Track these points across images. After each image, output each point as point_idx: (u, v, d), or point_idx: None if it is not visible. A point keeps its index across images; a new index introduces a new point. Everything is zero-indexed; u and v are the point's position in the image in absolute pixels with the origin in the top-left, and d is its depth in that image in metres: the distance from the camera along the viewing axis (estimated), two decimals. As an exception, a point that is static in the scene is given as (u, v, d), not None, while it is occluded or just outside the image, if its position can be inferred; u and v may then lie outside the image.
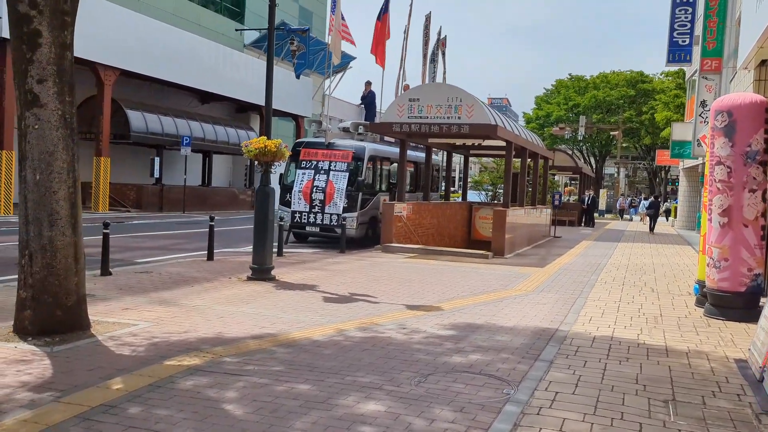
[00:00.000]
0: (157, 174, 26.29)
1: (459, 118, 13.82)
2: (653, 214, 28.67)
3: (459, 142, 19.08)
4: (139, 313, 7.10)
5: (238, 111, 35.91)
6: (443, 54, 22.41)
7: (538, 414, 4.28)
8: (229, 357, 5.40)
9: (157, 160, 26.23)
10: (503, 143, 15.93)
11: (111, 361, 5.21)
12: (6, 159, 20.47)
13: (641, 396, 4.76)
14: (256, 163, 9.79)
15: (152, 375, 4.83)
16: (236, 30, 20.62)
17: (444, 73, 22.77)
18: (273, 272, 10.20)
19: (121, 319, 6.73)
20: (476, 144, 19.43)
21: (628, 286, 10.48)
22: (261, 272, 9.85)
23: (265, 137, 9.72)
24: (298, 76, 11.70)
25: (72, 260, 5.97)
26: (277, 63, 38.28)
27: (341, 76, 43.47)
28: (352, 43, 15.67)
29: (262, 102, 34.59)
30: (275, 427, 3.91)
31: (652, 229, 28.05)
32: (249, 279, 9.79)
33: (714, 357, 6.06)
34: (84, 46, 22.56)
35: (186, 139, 25.75)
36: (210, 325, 6.63)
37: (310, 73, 39.92)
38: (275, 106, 34.14)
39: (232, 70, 30.93)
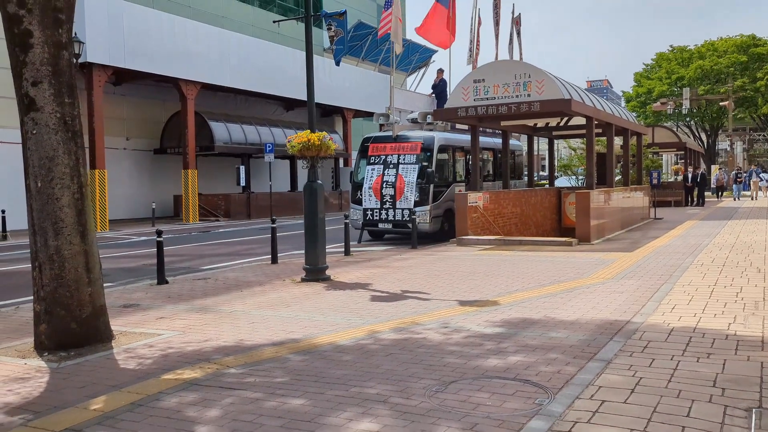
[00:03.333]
0: (243, 182, 26.69)
1: (528, 95, 12.75)
2: None
3: (539, 123, 17.86)
4: (171, 321, 6.76)
5: (324, 115, 36.05)
6: (518, 33, 21.17)
7: (569, 431, 3.40)
8: (236, 368, 4.87)
9: (242, 168, 26.64)
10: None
11: (109, 376, 4.82)
12: (99, 177, 21.41)
13: (716, 403, 3.75)
14: (302, 160, 9.29)
15: (140, 392, 4.38)
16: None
17: (520, 54, 21.47)
18: (329, 272, 9.70)
19: (149, 330, 6.41)
20: (559, 124, 18.10)
21: (729, 268, 9.08)
22: (314, 272, 9.37)
23: (309, 131, 9.21)
24: (337, 63, 11.15)
25: (83, 270, 5.68)
26: (358, 63, 38.20)
27: (424, 72, 42.81)
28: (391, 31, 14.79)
29: (345, 105, 34.58)
30: (241, 453, 3.30)
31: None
32: (303, 280, 9.33)
33: (826, 349, 4.85)
34: (166, 63, 23.36)
35: (269, 146, 25.92)
36: (236, 331, 6.16)
37: (391, 71, 39.52)
38: (358, 106, 34.31)
39: (315, 75, 30.91)
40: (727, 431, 3.34)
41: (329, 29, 10.49)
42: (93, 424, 3.80)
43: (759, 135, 62.44)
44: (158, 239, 9.68)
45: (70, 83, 5.69)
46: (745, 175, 34.55)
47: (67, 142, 5.60)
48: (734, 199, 31.71)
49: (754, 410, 3.62)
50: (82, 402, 4.22)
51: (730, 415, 3.55)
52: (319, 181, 9.50)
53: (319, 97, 30.93)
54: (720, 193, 35.04)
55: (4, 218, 18.43)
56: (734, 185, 33.08)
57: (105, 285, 9.07)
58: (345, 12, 10.57)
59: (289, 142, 9.17)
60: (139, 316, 7.15)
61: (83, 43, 19.62)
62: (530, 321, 6.13)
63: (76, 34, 18.98)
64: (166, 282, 9.52)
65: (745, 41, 50.55)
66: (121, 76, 24.20)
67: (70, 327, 5.63)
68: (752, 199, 31.39)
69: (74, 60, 5.96)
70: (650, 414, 3.60)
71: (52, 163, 5.53)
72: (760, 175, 33.79)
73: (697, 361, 4.61)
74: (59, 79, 5.59)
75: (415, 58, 40.74)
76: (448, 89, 18.12)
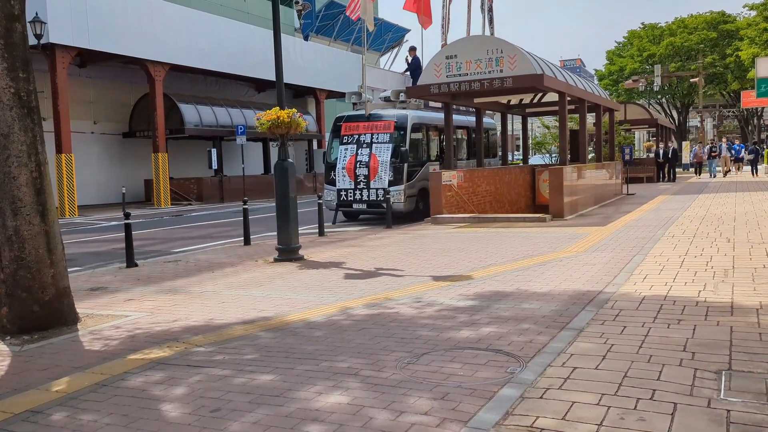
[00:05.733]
0: (215, 165, 26.34)
1: (501, 71, 12.67)
2: (754, 159, 28.85)
3: (513, 99, 17.82)
4: (140, 303, 6.62)
5: (296, 96, 35.64)
6: (490, 10, 21.04)
7: (541, 398, 3.37)
8: (205, 346, 4.77)
9: (213, 151, 26.28)
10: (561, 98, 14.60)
11: (73, 358, 4.69)
12: (66, 162, 20.93)
13: (686, 367, 3.75)
14: (272, 139, 9.13)
15: (105, 372, 4.26)
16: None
17: (492, 31, 21.36)
18: (303, 252, 9.60)
19: (116, 312, 6.26)
20: (532, 101, 18.09)
21: (699, 238, 9.17)
22: (287, 252, 9.25)
23: (278, 108, 9.04)
24: (306, 38, 10.87)
25: (44, 251, 5.50)
26: (330, 43, 37.79)
27: (397, 51, 42.53)
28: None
29: (317, 85, 34.12)
30: (207, 430, 3.22)
31: (755, 173, 28.28)
32: (276, 261, 9.21)
33: (793, 313, 4.90)
34: (132, 44, 22.82)
35: (240, 128, 25.59)
36: (206, 311, 6.04)
37: (363, 49, 39.15)
38: (331, 87, 33.92)
39: (285, 55, 30.44)
40: (698, 393, 3.34)
41: (297, 3, 10.26)
42: (54, 406, 3.68)
43: (729, 111, 63.31)
44: (126, 221, 9.46)
45: (25, 57, 5.47)
46: (717, 147, 31.00)
47: (23, 119, 5.40)
48: (711, 176, 29.51)
49: (723, 372, 3.63)
50: (44, 384, 4.10)
51: (700, 378, 3.55)
52: (290, 160, 9.36)
53: (291, 78, 30.63)
54: (699, 170, 32.18)
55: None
56: (709, 161, 30.51)
57: (73, 269, 8.90)
58: (312, -15, 10.33)
59: (258, 119, 9.01)
60: (106, 298, 6.99)
61: (45, 23, 19.08)
62: (503, 293, 6.10)
63: (37, 13, 18.45)
64: (136, 265, 9.33)
65: (714, 18, 51.05)
66: (86, 58, 23.62)
67: (33, 309, 5.47)
68: (723, 175, 29.84)
69: (27, 33, 5.72)
70: (621, 378, 3.59)
71: (8, 140, 5.33)
72: (734, 148, 32.03)
73: (668, 328, 4.62)
74: (12, 53, 5.37)
75: (388, 37, 40.45)
76: (421, 66, 17.97)
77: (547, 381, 3.61)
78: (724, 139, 31.75)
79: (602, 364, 3.87)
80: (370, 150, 14.87)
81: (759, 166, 29.92)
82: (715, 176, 29.28)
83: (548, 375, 3.72)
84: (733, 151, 32.41)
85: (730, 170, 30.27)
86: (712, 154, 30.61)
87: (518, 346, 4.34)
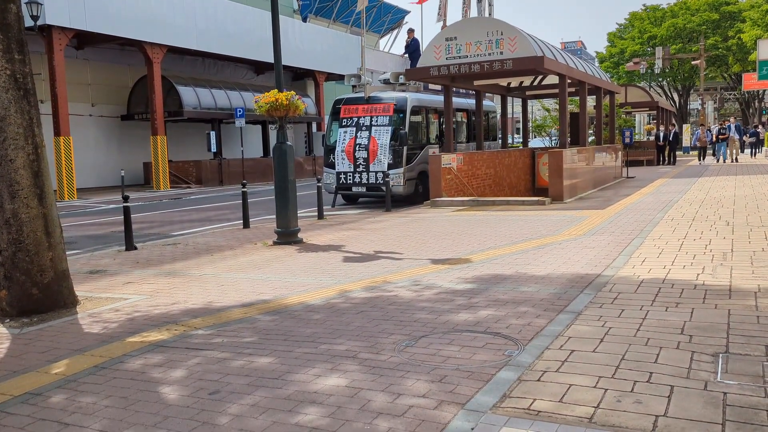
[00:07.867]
0: (214, 148, 26.25)
1: (501, 53, 12.58)
2: (755, 142, 29.50)
3: (513, 82, 17.72)
4: (139, 286, 6.62)
5: (295, 79, 35.45)
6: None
7: (538, 380, 3.38)
8: (203, 329, 4.78)
9: (212, 134, 26.17)
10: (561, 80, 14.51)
11: (72, 340, 4.70)
12: (64, 144, 20.85)
13: (683, 350, 3.76)
14: (271, 122, 9.09)
15: (104, 355, 4.27)
16: None
17: (490, 13, 21.19)
18: (302, 235, 9.61)
19: (115, 294, 6.26)
20: (532, 84, 17.99)
21: (699, 222, 9.16)
22: (286, 236, 9.25)
23: (276, 90, 8.99)
24: (304, 19, 10.71)
25: (42, 234, 5.50)
26: (329, 25, 37.51)
27: (397, 33, 42.24)
28: None
29: (316, 68, 33.93)
30: (205, 412, 3.23)
31: (753, 155, 29.18)
32: (274, 244, 9.21)
33: (791, 296, 4.90)
34: (129, 26, 22.66)
35: (239, 111, 25.47)
36: (205, 294, 6.05)
37: (362, 31, 38.84)
38: (330, 69, 33.72)
39: (284, 37, 30.28)
40: (694, 375, 3.35)
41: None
42: (54, 388, 3.69)
43: (729, 94, 63.02)
44: (125, 204, 9.44)
45: (20, 39, 5.42)
46: (726, 128, 26.74)
47: (19, 101, 5.36)
48: (717, 161, 26.58)
49: (720, 355, 3.64)
50: (43, 366, 4.11)
51: (697, 361, 3.56)
52: (289, 143, 9.32)
53: (290, 61, 30.46)
54: (703, 155, 28.65)
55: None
56: (717, 144, 27.11)
57: (72, 252, 8.91)
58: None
59: (256, 102, 8.96)
60: (105, 281, 6.99)
61: (41, 4, 18.92)
62: (502, 277, 6.11)
63: (33, -6, 18.30)
64: (135, 248, 9.33)
65: (717, -1, 50.59)
66: (84, 40, 23.45)
67: (31, 292, 5.47)
68: (733, 160, 26.29)
69: (23, 14, 5.67)
70: (619, 361, 3.60)
71: (4, 122, 5.29)
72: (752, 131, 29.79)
73: (666, 311, 4.63)
74: (7, 34, 5.31)
75: (387, 19, 40.16)
76: (420, 48, 17.86)
77: (545, 364, 3.62)
78: (732, 119, 29.56)
79: (600, 347, 3.88)
80: (370, 133, 14.81)
81: (758, 149, 29.84)
82: (725, 161, 26.20)
83: (546, 358, 3.72)
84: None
85: (735, 158, 26.75)
86: (721, 136, 26.83)
87: (516, 329, 4.35)
